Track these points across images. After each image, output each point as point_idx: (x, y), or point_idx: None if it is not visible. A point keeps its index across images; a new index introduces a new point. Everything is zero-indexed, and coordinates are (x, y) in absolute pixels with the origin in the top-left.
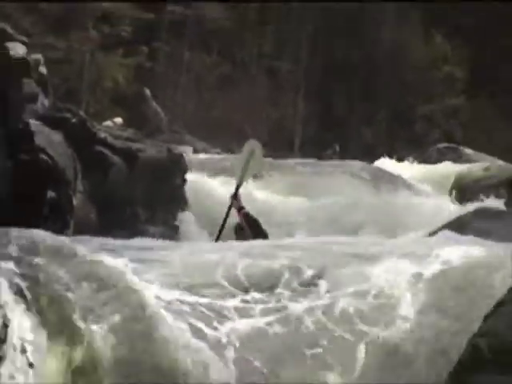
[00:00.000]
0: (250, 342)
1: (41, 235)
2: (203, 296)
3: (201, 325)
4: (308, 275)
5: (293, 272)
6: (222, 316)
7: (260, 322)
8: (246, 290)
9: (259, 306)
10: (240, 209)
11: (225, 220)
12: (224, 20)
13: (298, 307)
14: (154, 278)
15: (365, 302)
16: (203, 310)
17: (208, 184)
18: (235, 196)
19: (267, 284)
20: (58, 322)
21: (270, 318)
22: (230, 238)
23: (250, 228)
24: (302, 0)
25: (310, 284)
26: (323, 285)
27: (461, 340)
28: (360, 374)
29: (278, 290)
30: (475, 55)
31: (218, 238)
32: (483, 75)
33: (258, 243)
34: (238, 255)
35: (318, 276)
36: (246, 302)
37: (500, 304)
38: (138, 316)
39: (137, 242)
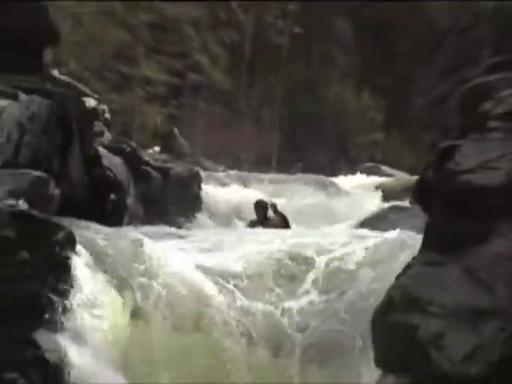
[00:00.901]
0: None
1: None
2: None
3: None
4: None
5: None
6: None
7: None
8: None
9: None
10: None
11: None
12: (225, 83)
13: None
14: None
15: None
16: None
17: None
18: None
19: None
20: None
21: None
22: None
23: (283, 221)
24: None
25: None
26: None
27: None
28: None
29: None
30: (390, 106)
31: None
32: (395, 119)
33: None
34: None
35: None
36: None
37: (407, 267)
38: None
39: None
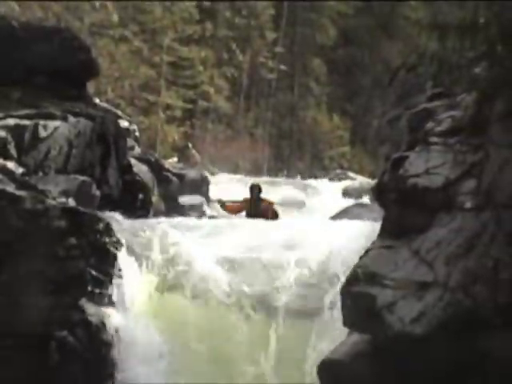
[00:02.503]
0: None
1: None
2: None
3: None
4: None
5: None
6: None
7: None
8: None
9: None
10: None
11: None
12: (227, 108)
13: None
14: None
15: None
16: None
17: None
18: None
19: None
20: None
21: None
22: None
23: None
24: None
25: None
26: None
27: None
28: None
29: None
30: (354, 126)
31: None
32: (358, 136)
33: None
34: None
35: None
36: None
37: (367, 250)
38: None
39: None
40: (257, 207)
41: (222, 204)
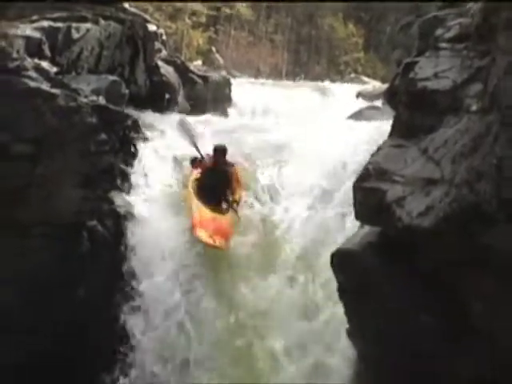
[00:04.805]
0: None
1: None
2: None
3: None
4: None
5: None
6: None
7: None
8: None
9: None
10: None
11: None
12: (249, 15)
13: None
14: None
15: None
16: None
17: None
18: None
19: None
20: None
21: None
22: None
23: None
24: None
25: None
26: None
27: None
28: None
29: None
30: (368, 33)
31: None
32: (372, 41)
33: None
34: None
35: None
36: None
37: (379, 148)
38: None
39: None
40: (217, 175)
41: (193, 160)
